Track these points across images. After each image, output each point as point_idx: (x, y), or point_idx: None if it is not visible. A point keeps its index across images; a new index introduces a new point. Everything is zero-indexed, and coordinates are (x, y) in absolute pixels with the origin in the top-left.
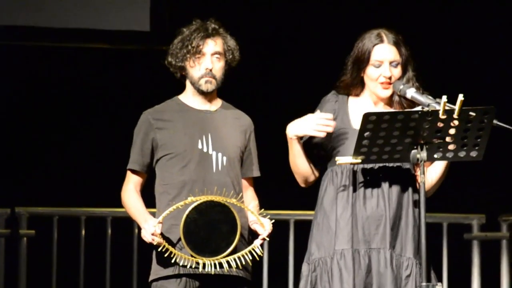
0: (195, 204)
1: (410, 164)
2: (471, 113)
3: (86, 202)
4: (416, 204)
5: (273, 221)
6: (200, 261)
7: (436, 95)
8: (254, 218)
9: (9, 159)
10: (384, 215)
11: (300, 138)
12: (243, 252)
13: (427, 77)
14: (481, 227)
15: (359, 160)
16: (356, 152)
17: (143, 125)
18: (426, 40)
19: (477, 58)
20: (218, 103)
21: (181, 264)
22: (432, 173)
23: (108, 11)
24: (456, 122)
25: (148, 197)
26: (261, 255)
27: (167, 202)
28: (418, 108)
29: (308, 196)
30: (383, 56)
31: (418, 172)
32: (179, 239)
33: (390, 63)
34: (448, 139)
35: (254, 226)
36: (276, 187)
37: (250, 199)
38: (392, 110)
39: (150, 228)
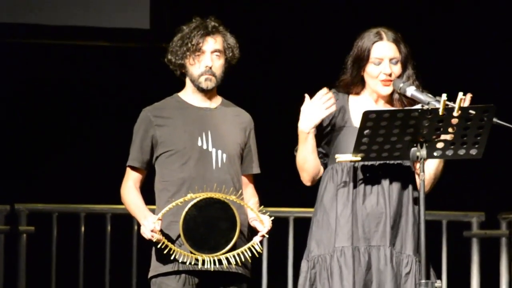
0: (195, 201)
1: (410, 162)
2: (471, 111)
3: (85, 199)
4: (416, 201)
5: (272, 218)
6: (200, 258)
7: (436, 93)
8: (254, 215)
9: (9, 156)
10: (384, 212)
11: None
12: (242, 249)
13: (426, 75)
14: (480, 224)
15: (358, 158)
16: (356, 150)
17: (143, 122)
18: (426, 38)
19: (477, 56)
20: (218, 100)
21: (180, 260)
22: (428, 169)
23: (108, 9)
24: (456, 120)
25: (148, 194)
26: (261, 252)
27: (166, 199)
28: (418, 106)
29: (307, 193)
30: (383, 54)
31: (417, 169)
32: (179, 236)
33: (390, 60)
34: (447, 137)
35: (254, 223)
36: (276, 184)
37: (249, 196)
38: (392, 108)
39: (149, 224)
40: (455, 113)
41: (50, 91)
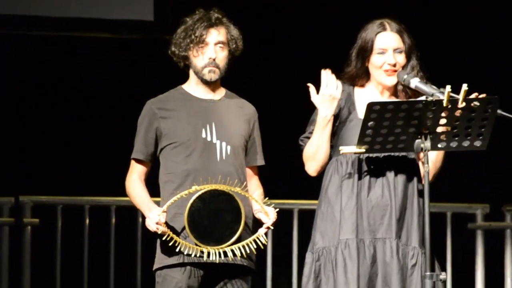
0: (199, 193)
1: (415, 154)
2: (475, 102)
3: (90, 191)
4: (421, 194)
5: (277, 210)
6: (205, 250)
7: (440, 85)
8: (259, 207)
9: (13, 148)
10: (390, 205)
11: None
12: (247, 241)
13: (430, 67)
14: (485, 217)
15: (363, 150)
16: (360, 142)
17: (147, 114)
18: (430, 30)
19: (481, 48)
20: (221, 92)
21: (185, 253)
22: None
23: (112, 0)
24: (460, 112)
25: (152, 186)
26: (265, 244)
27: (171, 191)
28: (422, 98)
29: (312, 185)
30: (387, 44)
31: (422, 159)
32: (183, 228)
33: (394, 50)
34: (451, 128)
35: (259, 215)
36: (280, 176)
37: (254, 188)
38: (396, 100)
39: (154, 217)
40: (459, 105)
41: (54, 83)
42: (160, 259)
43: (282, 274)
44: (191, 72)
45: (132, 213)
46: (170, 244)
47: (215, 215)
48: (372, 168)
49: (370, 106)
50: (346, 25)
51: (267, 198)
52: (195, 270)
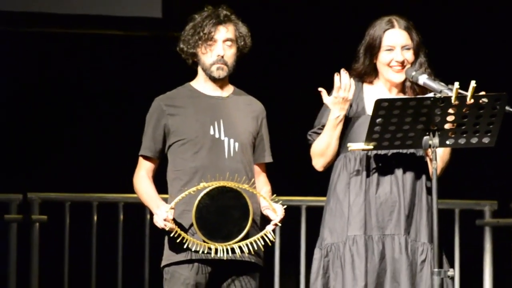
0: (207, 190)
1: (423, 150)
2: (483, 99)
3: (98, 188)
4: (429, 191)
5: (285, 206)
6: (212, 247)
7: (448, 82)
8: (266, 203)
9: (22, 145)
10: (398, 201)
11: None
12: (255, 237)
13: (438, 63)
14: (493, 213)
15: (371, 147)
16: (368, 138)
17: (155, 111)
18: (438, 27)
19: (490, 44)
20: (230, 89)
21: (193, 249)
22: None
23: None
24: (468, 109)
25: (160, 183)
26: (273, 240)
27: (179, 188)
28: (431, 95)
29: (320, 182)
30: (395, 41)
31: (430, 155)
32: (191, 225)
33: (402, 47)
34: (460, 125)
35: (266, 212)
36: (288, 173)
37: (262, 184)
38: (404, 96)
39: (162, 213)
40: (467, 102)
41: (62, 80)
42: (168, 255)
43: (290, 271)
44: (199, 69)
45: (140, 210)
46: (178, 240)
47: (223, 212)
48: (381, 165)
49: (378, 103)
50: (354, 22)
51: (274, 195)
52: (203, 266)
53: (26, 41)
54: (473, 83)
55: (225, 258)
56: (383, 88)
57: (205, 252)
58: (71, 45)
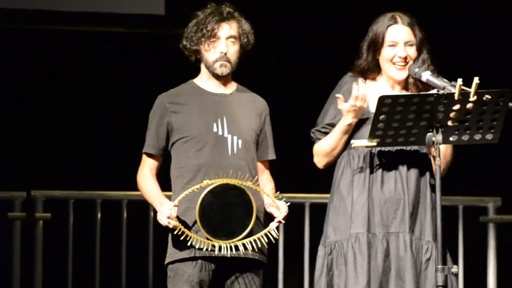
0: (211, 187)
1: (426, 147)
2: (486, 96)
3: (102, 185)
4: (433, 188)
5: (288, 204)
6: (216, 244)
7: (451, 78)
8: (270, 201)
9: (25, 143)
10: (403, 199)
11: None
12: (259, 235)
13: (441, 60)
14: (497, 210)
15: (374, 143)
16: (372, 135)
17: (158, 108)
18: (440, 23)
19: (493, 40)
20: (233, 86)
21: (197, 247)
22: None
23: None
24: (471, 105)
25: (164, 181)
26: (277, 238)
27: (182, 185)
28: (434, 91)
29: (323, 179)
30: (398, 37)
31: (433, 152)
32: (195, 222)
33: (405, 43)
34: (463, 122)
35: (270, 209)
36: (291, 170)
37: (265, 182)
38: (407, 93)
39: (166, 211)
40: (471, 98)
41: (65, 78)
42: (172, 253)
43: (294, 268)
44: (203, 66)
45: (143, 207)
46: (182, 238)
47: (227, 209)
48: (384, 162)
49: (381, 100)
50: (357, 20)
51: (278, 192)
52: (206, 264)
53: (29, 39)
54: (476, 80)
55: (228, 256)
56: (385, 84)
57: (209, 249)
58: (74, 42)
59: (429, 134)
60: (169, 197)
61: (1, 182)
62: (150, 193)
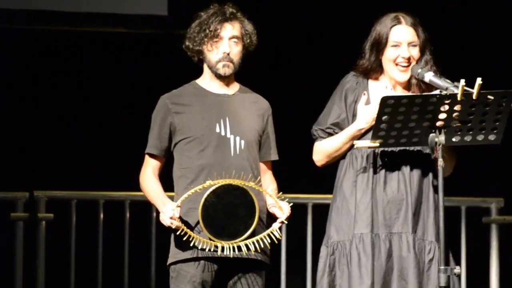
0: (213, 187)
1: (429, 148)
2: (489, 96)
3: (104, 186)
4: (436, 188)
5: (291, 204)
6: (219, 245)
7: (454, 79)
8: (272, 201)
9: (28, 143)
10: (405, 199)
11: None
12: (261, 235)
13: (444, 60)
14: (499, 210)
15: (377, 144)
16: (374, 136)
17: (161, 109)
18: (443, 24)
19: (495, 41)
20: (235, 87)
21: (199, 247)
22: None
23: None
24: (474, 106)
25: (166, 181)
26: (280, 238)
27: (185, 185)
28: (436, 92)
29: (326, 179)
30: (401, 37)
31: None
32: (198, 223)
33: (408, 44)
34: (466, 122)
35: (273, 210)
36: (294, 170)
37: (268, 182)
38: (410, 93)
39: (168, 211)
40: (473, 99)
41: (68, 78)
42: (174, 253)
43: (296, 268)
44: (205, 67)
45: (146, 208)
46: (184, 238)
47: (229, 210)
48: (387, 162)
49: (384, 100)
50: (359, 21)
51: (281, 193)
52: (209, 264)
53: (31, 39)
54: (479, 80)
55: (231, 256)
56: (388, 84)
57: (212, 250)
58: (77, 43)
59: (431, 134)
60: (171, 198)
61: (4, 183)
62: (153, 193)
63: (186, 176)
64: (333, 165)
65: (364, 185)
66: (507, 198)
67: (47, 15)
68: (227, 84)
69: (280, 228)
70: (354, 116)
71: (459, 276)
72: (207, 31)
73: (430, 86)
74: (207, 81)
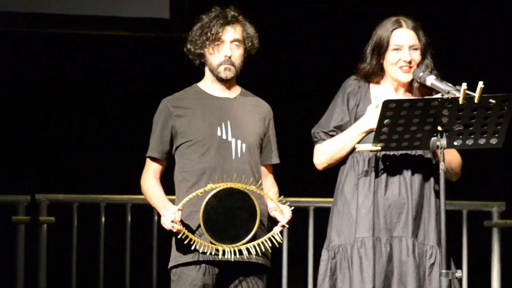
0: (215, 191)
1: (431, 152)
2: (491, 100)
3: (106, 189)
4: (437, 193)
5: (292, 208)
6: (220, 248)
7: (456, 83)
8: (274, 205)
9: (30, 147)
10: (406, 203)
11: None
12: (262, 239)
13: (445, 64)
14: (501, 214)
15: (378, 148)
16: (376, 140)
17: (162, 112)
18: (444, 28)
19: (497, 45)
20: (237, 90)
21: (200, 251)
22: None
23: None
24: (476, 110)
25: (168, 185)
26: (281, 242)
27: (186, 189)
28: (438, 96)
29: (327, 183)
30: (402, 41)
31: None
32: (199, 226)
33: (409, 47)
34: (467, 126)
35: (274, 213)
36: (295, 174)
37: (269, 186)
38: (412, 97)
39: (169, 215)
40: (475, 102)
41: (70, 81)
42: (176, 257)
43: (298, 272)
44: (207, 70)
45: (147, 211)
46: (186, 242)
47: (231, 213)
48: (389, 166)
49: (386, 104)
50: (360, 24)
51: (282, 196)
52: (210, 268)
53: (33, 42)
54: (480, 84)
55: (232, 260)
56: (389, 88)
57: (213, 253)
58: (78, 46)
59: (433, 138)
60: (173, 201)
61: (5, 186)
62: (154, 197)
63: (187, 179)
64: (334, 168)
65: (365, 189)
66: (509, 202)
67: (49, 18)
68: (229, 88)
69: (281, 232)
70: (356, 119)
71: (460, 280)
72: (209, 34)
73: (432, 90)
74: (208, 85)
